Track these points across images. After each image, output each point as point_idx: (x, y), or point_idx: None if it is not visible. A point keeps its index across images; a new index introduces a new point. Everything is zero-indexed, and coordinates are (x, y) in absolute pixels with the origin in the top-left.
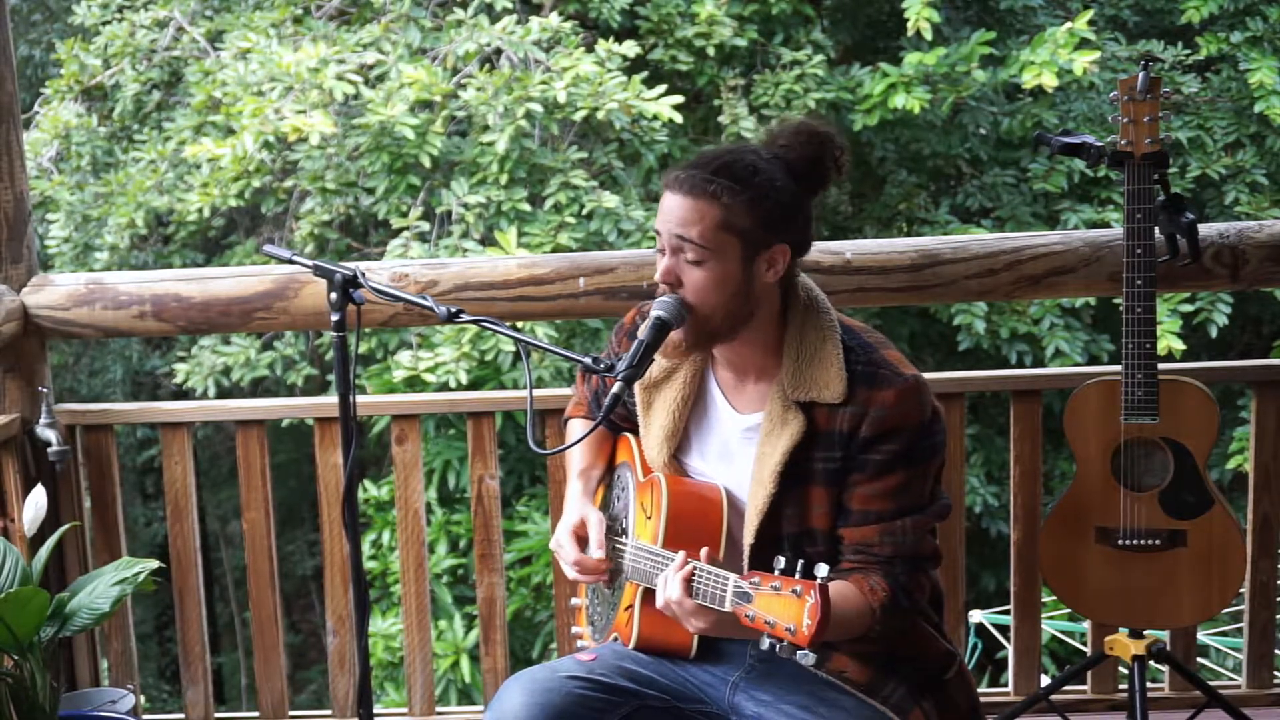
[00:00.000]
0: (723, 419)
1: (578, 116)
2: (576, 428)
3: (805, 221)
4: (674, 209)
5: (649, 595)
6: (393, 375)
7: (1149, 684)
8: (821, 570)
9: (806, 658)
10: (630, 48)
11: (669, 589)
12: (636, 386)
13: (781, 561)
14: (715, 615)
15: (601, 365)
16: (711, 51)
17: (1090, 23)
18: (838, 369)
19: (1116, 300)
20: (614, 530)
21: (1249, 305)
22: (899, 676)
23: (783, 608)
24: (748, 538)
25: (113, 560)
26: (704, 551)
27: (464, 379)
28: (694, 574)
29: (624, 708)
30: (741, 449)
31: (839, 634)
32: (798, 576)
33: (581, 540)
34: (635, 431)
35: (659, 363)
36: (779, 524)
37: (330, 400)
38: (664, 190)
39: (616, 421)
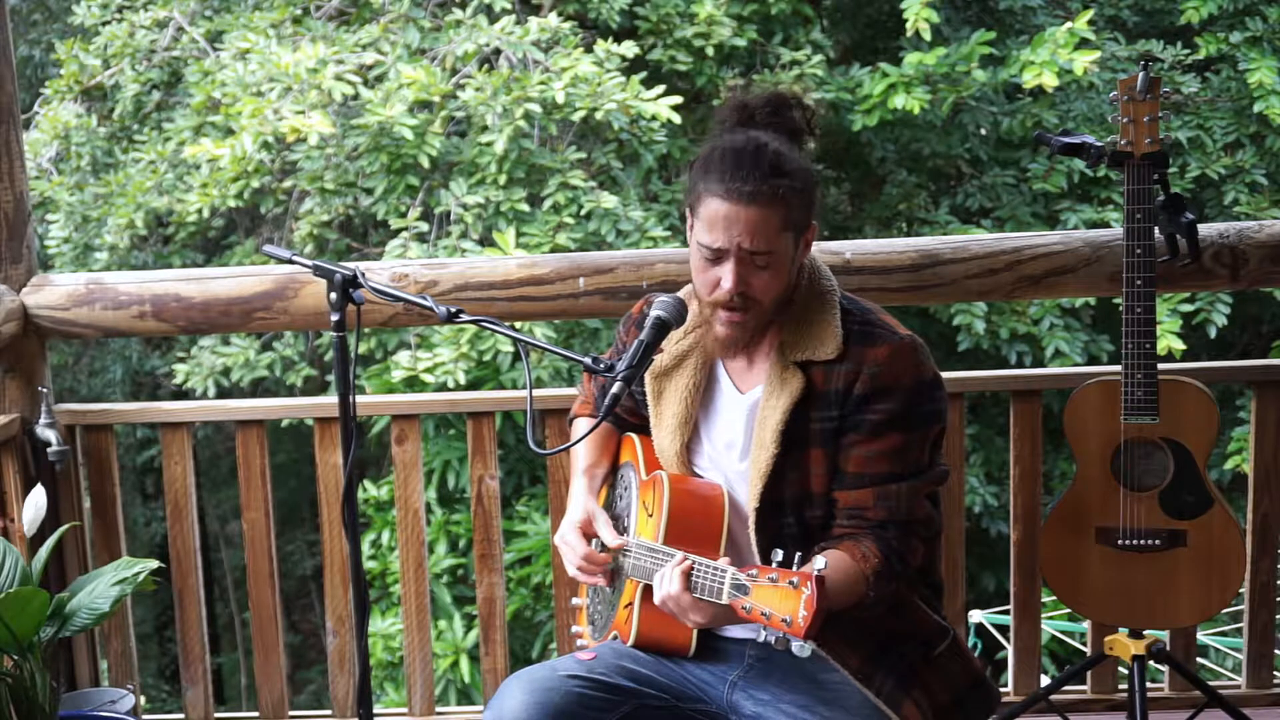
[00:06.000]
0: (730, 402)
1: (576, 117)
2: (581, 426)
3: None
4: (743, 221)
5: (649, 592)
6: (392, 375)
7: (1149, 684)
8: (819, 563)
9: (804, 649)
10: (629, 48)
11: (668, 584)
12: (647, 376)
13: (779, 554)
14: (713, 610)
15: (601, 365)
16: (710, 51)
17: (1090, 23)
18: (834, 328)
19: (1116, 300)
20: (617, 529)
21: (1249, 305)
22: (888, 665)
23: (780, 599)
24: (752, 502)
25: (112, 560)
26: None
27: (462, 379)
28: (693, 568)
29: (624, 707)
30: (748, 428)
31: (834, 605)
32: (795, 568)
33: (588, 538)
34: (642, 428)
35: (669, 351)
36: (781, 488)
37: (330, 400)
38: (716, 198)
39: (624, 416)
